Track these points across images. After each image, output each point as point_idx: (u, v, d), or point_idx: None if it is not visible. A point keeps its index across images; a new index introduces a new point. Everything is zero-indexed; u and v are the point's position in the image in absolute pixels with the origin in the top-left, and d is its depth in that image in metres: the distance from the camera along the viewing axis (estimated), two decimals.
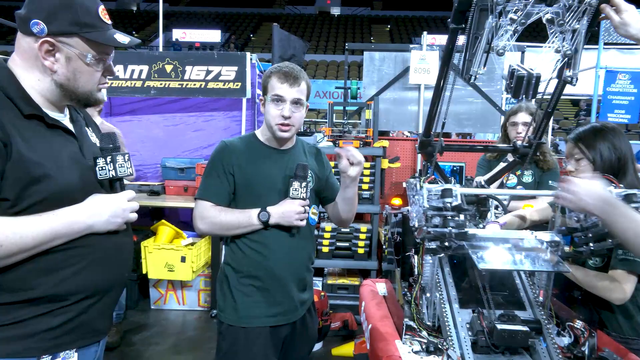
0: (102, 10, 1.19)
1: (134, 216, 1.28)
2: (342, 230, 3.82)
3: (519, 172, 2.73)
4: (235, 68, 4.16)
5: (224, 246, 1.81)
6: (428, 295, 1.65)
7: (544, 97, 1.76)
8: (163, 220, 3.92)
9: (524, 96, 1.46)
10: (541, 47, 1.57)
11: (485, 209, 1.88)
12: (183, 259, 3.69)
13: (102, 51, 1.19)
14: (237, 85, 4.17)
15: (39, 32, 1.10)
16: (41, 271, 1.10)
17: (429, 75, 4.18)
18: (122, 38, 1.21)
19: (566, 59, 1.42)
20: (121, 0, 28.37)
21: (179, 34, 21.02)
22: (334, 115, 4.23)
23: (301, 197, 1.67)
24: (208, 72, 4.20)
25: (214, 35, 21.18)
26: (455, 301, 1.57)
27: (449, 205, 1.46)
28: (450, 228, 1.41)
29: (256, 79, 4.33)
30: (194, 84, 4.22)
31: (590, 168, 1.72)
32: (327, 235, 3.79)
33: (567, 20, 1.33)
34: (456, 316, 1.52)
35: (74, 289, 1.16)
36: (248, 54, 4.21)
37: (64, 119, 1.24)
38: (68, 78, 1.16)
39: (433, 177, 1.59)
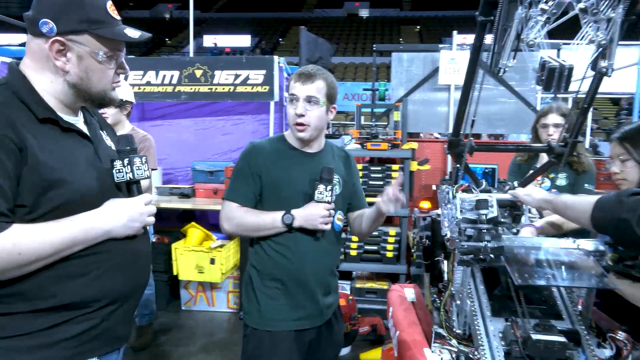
0: (110, 6, 1.16)
1: (152, 220, 1.25)
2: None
3: (552, 175, 2.62)
4: (263, 72, 4.18)
5: (249, 248, 1.80)
6: (458, 302, 1.59)
7: (579, 95, 1.68)
8: (193, 223, 3.98)
9: (554, 92, 1.40)
10: (579, 44, 1.49)
11: (518, 213, 1.81)
12: (212, 261, 3.73)
13: (113, 47, 1.16)
14: (265, 88, 4.19)
15: (49, 31, 1.08)
16: (60, 278, 1.08)
17: (459, 75, 4.09)
18: (132, 33, 1.18)
19: (601, 49, 1.34)
20: (154, 9, 29.22)
21: (209, 40, 21.45)
22: (362, 117, 4.20)
23: (326, 200, 1.65)
24: (236, 76, 4.24)
25: (243, 40, 21.50)
26: (487, 309, 1.51)
27: (484, 217, 1.38)
28: (486, 242, 1.33)
29: (284, 82, 4.34)
30: (223, 88, 4.27)
31: (638, 170, 1.61)
32: (355, 238, 3.75)
33: (601, 9, 1.26)
34: (488, 325, 1.46)
35: (95, 295, 1.14)
36: (275, 57, 4.23)
37: (78, 122, 1.22)
38: (81, 77, 1.14)
39: (467, 185, 1.51)
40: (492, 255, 1.31)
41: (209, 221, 4.50)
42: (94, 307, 1.14)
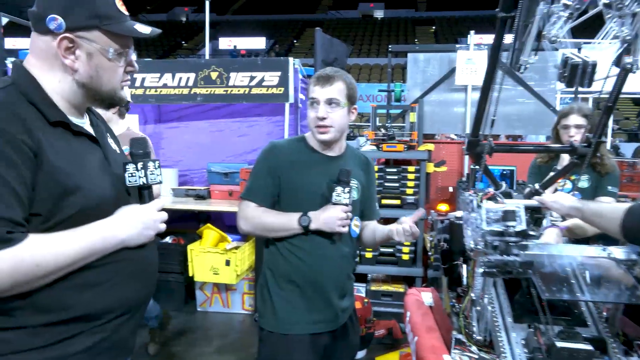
0: (119, 1, 1.10)
1: (164, 227, 1.21)
2: None
3: (573, 177, 2.55)
4: (279, 73, 4.18)
5: (264, 249, 1.79)
6: (478, 308, 1.56)
7: (602, 95, 1.63)
8: (209, 224, 4.00)
9: (576, 89, 1.36)
10: (600, 42, 1.46)
11: (540, 216, 1.76)
12: (227, 263, 3.74)
13: (123, 44, 1.11)
14: (280, 90, 4.19)
15: (57, 28, 1.01)
16: (75, 289, 1.04)
17: (477, 76, 4.03)
18: (142, 28, 1.13)
19: (625, 45, 1.30)
20: (171, 12, 29.58)
21: (225, 43, 21.62)
22: (377, 118, 4.17)
23: (344, 202, 1.62)
24: (252, 78, 4.24)
25: (258, 43, 21.61)
26: (508, 315, 1.47)
27: (512, 230, 1.33)
28: (515, 257, 1.28)
29: (299, 84, 4.33)
30: (238, 90, 4.28)
31: None
32: None
33: (626, 4, 1.22)
34: (510, 331, 1.42)
35: (109, 306, 1.11)
36: (291, 59, 4.22)
37: (85, 124, 1.17)
38: (91, 76, 1.08)
39: (492, 192, 1.46)
40: (520, 270, 1.26)
41: (225, 222, 4.51)
42: (107, 319, 1.11)
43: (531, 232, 1.33)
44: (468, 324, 1.56)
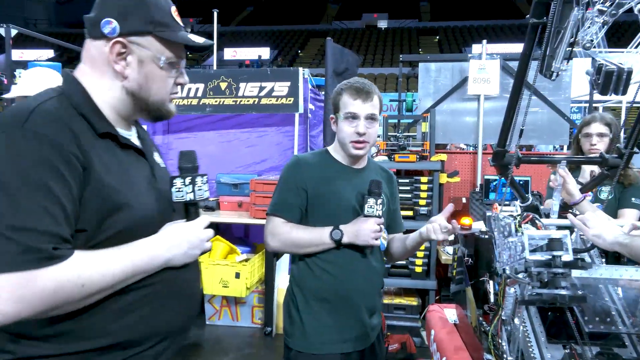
0: (174, 11, 1.08)
1: (210, 245, 1.14)
2: None
3: (595, 189, 2.48)
4: (288, 83, 4.15)
5: (291, 265, 1.73)
6: (509, 327, 1.49)
7: (635, 104, 1.58)
8: (218, 236, 3.93)
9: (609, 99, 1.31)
10: (622, 52, 1.42)
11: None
12: (237, 275, 3.67)
13: (175, 54, 1.08)
14: (289, 100, 4.16)
15: (111, 32, 1.00)
16: (116, 313, 0.98)
17: (489, 85, 3.98)
18: (196, 38, 1.11)
19: None
20: None
21: (230, 53, 21.74)
22: (388, 128, 4.12)
23: (376, 214, 1.57)
24: (261, 89, 4.22)
25: (263, 53, 21.74)
26: (542, 335, 1.40)
27: (559, 261, 1.23)
28: (564, 291, 1.19)
29: (308, 94, 4.30)
30: (248, 101, 4.25)
31: None
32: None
33: None
34: (544, 352, 1.35)
35: (150, 331, 1.03)
36: (300, 69, 4.20)
37: (132, 136, 1.13)
38: (140, 84, 1.05)
39: (531, 216, 1.37)
40: (569, 303, 1.18)
41: (234, 234, 4.45)
42: (147, 345, 1.03)
43: (581, 264, 1.24)
44: (498, 344, 1.49)
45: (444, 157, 3.69)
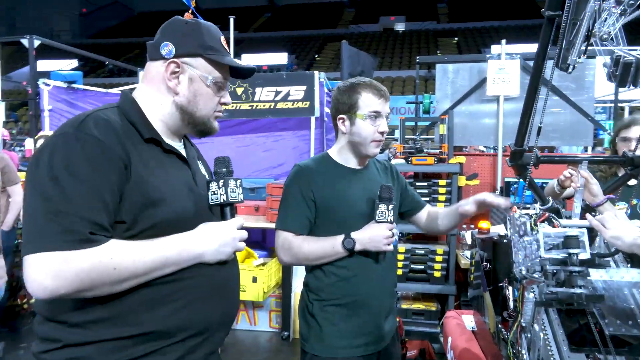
0: (223, 39, 1.24)
1: (243, 245, 1.20)
2: (417, 251, 3.61)
3: (635, 202, 2.34)
4: (304, 87, 4.15)
5: (306, 273, 1.72)
6: (529, 334, 1.44)
7: None
8: None
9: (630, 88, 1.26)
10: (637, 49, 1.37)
11: (593, 234, 1.64)
12: (254, 280, 3.68)
13: (221, 75, 1.22)
14: (305, 104, 4.16)
15: (168, 53, 1.16)
16: (148, 304, 1.05)
17: (509, 86, 3.90)
18: (239, 62, 1.25)
19: None
20: None
21: (247, 59, 21.96)
22: (405, 131, 4.07)
23: (388, 220, 1.56)
24: (277, 93, 4.23)
25: (280, 58, 21.88)
26: (564, 343, 1.34)
27: (576, 258, 1.19)
28: (581, 289, 1.15)
29: (324, 97, 4.29)
30: (264, 105, 4.27)
31: None
32: (400, 257, 3.59)
33: None
34: None
35: (181, 325, 1.09)
36: (316, 72, 4.19)
37: (180, 146, 1.24)
38: (189, 100, 1.19)
39: (546, 214, 1.34)
40: (585, 303, 1.14)
41: (251, 238, 4.46)
42: (180, 337, 1.09)
43: (598, 262, 1.20)
44: (518, 352, 1.44)
45: (462, 159, 3.63)
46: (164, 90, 1.19)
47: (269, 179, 4.22)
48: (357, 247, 1.56)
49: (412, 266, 3.61)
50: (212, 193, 1.18)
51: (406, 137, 3.99)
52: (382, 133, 1.62)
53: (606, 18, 1.24)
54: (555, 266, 1.18)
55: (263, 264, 3.76)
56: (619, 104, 5.11)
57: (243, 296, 3.72)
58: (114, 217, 1.02)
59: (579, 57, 1.28)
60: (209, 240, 1.12)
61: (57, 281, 0.93)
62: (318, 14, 31.75)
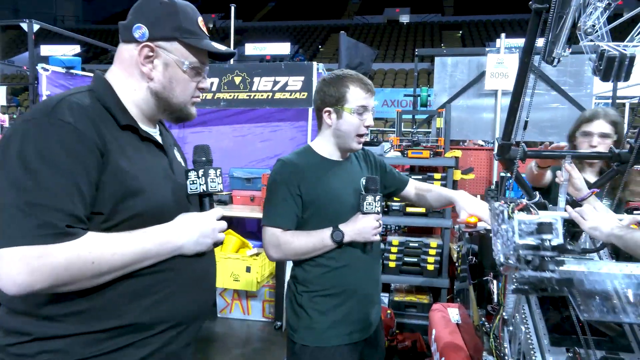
0: (200, 21, 1.18)
1: (223, 236, 1.18)
2: (410, 245, 3.62)
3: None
4: (302, 78, 4.13)
5: (293, 265, 1.73)
6: (511, 327, 1.44)
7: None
8: (230, 230, 3.96)
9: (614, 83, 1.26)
10: (621, 44, 1.37)
11: (578, 230, 1.63)
12: (248, 269, 3.69)
13: (199, 60, 1.16)
14: (303, 95, 4.14)
15: (141, 36, 1.09)
16: (127, 296, 1.03)
17: (507, 80, 3.88)
18: (218, 46, 1.19)
19: None
20: None
21: (251, 48, 21.87)
22: (402, 124, 4.06)
23: (375, 211, 1.58)
24: (275, 83, 4.21)
25: (283, 48, 21.78)
26: (545, 337, 1.35)
27: (548, 244, 1.22)
28: (551, 274, 1.17)
29: None
30: (262, 95, 4.25)
31: None
32: (394, 249, 3.60)
33: None
34: (547, 356, 1.30)
35: (161, 316, 1.07)
36: (314, 63, 4.17)
37: (155, 134, 1.20)
38: (164, 86, 1.13)
39: (524, 203, 1.35)
40: (556, 287, 1.15)
41: (246, 228, 4.48)
42: (158, 330, 1.07)
43: (569, 247, 1.21)
44: (499, 345, 1.45)
45: (458, 153, 3.62)
46: (137, 75, 1.12)
47: (265, 170, 4.22)
48: (346, 239, 1.57)
49: (406, 259, 3.62)
50: (191, 182, 1.14)
51: (403, 130, 3.99)
52: (367, 127, 1.63)
53: (591, 12, 1.23)
54: (528, 251, 1.20)
55: (257, 254, 3.77)
56: (620, 101, 5.08)
57: (237, 285, 3.75)
58: (90, 208, 0.97)
59: (564, 51, 1.27)
60: (188, 232, 1.10)
61: (32, 277, 0.89)
62: (322, 4, 31.52)
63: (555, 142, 2.16)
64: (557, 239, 1.23)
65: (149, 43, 1.10)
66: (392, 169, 1.91)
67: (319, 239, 1.59)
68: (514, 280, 1.22)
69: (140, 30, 1.09)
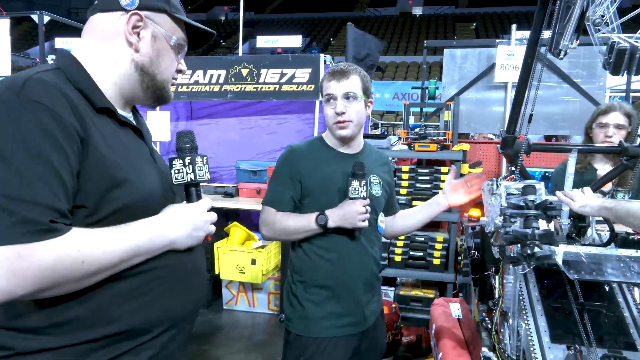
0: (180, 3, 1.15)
1: (214, 228, 1.11)
2: (417, 238, 3.59)
3: (612, 191, 2.26)
4: (309, 70, 4.10)
5: (291, 252, 1.76)
6: (511, 322, 1.42)
7: None
8: (235, 222, 3.97)
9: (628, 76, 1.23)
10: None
11: (584, 225, 1.60)
12: (253, 262, 3.70)
13: (183, 38, 1.11)
14: (310, 87, 4.11)
15: (129, 4, 1.00)
16: (119, 299, 0.93)
17: (518, 72, 3.80)
18: (199, 25, 1.16)
19: None
20: (211, 12, 30.17)
21: (262, 41, 21.81)
22: (413, 117, 4.01)
23: (361, 196, 1.57)
24: (282, 75, 4.19)
25: (294, 41, 21.68)
26: (545, 334, 1.32)
27: (531, 203, 1.25)
28: (534, 228, 1.19)
29: None
30: (269, 87, 4.23)
31: None
32: (400, 243, 3.58)
33: None
34: (547, 353, 1.28)
35: (156, 318, 0.99)
36: (322, 55, 4.13)
37: (131, 118, 1.10)
38: (151, 59, 1.05)
39: (513, 176, 1.40)
40: (540, 247, 1.17)
41: (253, 221, 4.48)
42: (155, 333, 0.99)
43: (551, 205, 1.25)
44: (499, 341, 1.42)
45: (466, 146, 3.56)
46: (121, 46, 1.02)
47: (271, 162, 4.20)
48: (330, 224, 1.59)
49: (412, 253, 3.59)
50: (177, 171, 1.04)
51: (411, 123, 3.93)
52: (338, 114, 1.61)
53: (601, 1, 1.19)
54: (513, 210, 1.22)
55: (262, 247, 3.77)
56: (635, 94, 4.96)
57: (242, 278, 3.76)
58: (73, 201, 0.87)
59: (571, 43, 1.23)
60: (180, 225, 1.01)
61: (14, 281, 0.77)
62: None
63: (566, 135, 2.20)
64: (539, 199, 1.28)
65: (137, 11, 1.01)
66: (394, 192, 1.92)
67: (305, 221, 1.63)
68: (501, 236, 1.25)
69: None
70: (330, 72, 1.66)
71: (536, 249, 1.19)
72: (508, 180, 1.40)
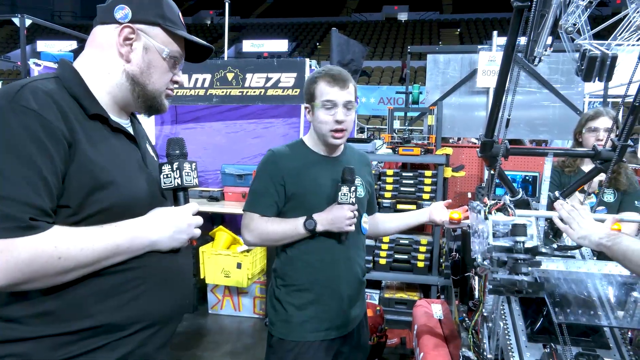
0: (181, 16, 1.18)
1: (198, 232, 1.14)
2: (401, 241, 3.63)
3: (598, 191, 2.36)
4: (294, 74, 4.12)
5: (276, 257, 1.76)
6: (490, 324, 1.45)
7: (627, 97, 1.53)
8: (221, 226, 3.96)
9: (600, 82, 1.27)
10: (622, 39, 1.36)
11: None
12: (239, 266, 3.69)
13: (177, 51, 1.15)
14: (295, 91, 4.13)
15: (123, 17, 1.07)
16: (98, 295, 0.98)
17: None
18: (198, 39, 1.19)
19: None
20: (197, 15, 30.05)
21: (248, 45, 21.79)
22: (398, 121, 4.06)
23: (350, 202, 1.58)
24: (268, 79, 4.20)
25: (281, 45, 21.71)
26: (522, 333, 1.36)
27: (521, 246, 1.20)
28: (523, 277, 1.15)
29: None
30: (254, 92, 4.24)
31: None
32: (384, 246, 3.61)
33: None
34: (524, 351, 1.31)
35: (134, 316, 1.02)
36: (307, 59, 4.16)
37: (127, 124, 1.16)
38: (142, 70, 1.09)
39: (502, 203, 1.34)
40: (529, 290, 1.14)
41: (238, 225, 4.45)
42: (131, 330, 1.02)
43: (543, 250, 1.20)
44: (478, 341, 1.45)
45: (449, 150, 3.62)
46: (113, 57, 1.08)
47: (257, 166, 4.21)
48: (319, 228, 1.58)
49: (396, 256, 3.63)
50: (165, 176, 1.10)
51: (396, 127, 3.98)
52: (339, 122, 1.59)
53: (573, 10, 1.23)
54: (501, 253, 1.19)
55: (248, 251, 3.77)
56: (614, 100, 5.09)
57: (227, 282, 3.75)
58: (56, 201, 0.93)
59: (545, 50, 1.27)
60: (163, 227, 1.05)
61: None
62: (321, 1, 31.44)
63: (546, 139, 2.24)
64: (531, 241, 1.21)
65: (130, 24, 1.07)
66: (374, 193, 1.95)
67: (292, 226, 1.60)
68: (489, 282, 1.22)
69: (123, 11, 1.07)
70: (330, 76, 1.61)
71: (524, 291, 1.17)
72: (498, 208, 1.33)
